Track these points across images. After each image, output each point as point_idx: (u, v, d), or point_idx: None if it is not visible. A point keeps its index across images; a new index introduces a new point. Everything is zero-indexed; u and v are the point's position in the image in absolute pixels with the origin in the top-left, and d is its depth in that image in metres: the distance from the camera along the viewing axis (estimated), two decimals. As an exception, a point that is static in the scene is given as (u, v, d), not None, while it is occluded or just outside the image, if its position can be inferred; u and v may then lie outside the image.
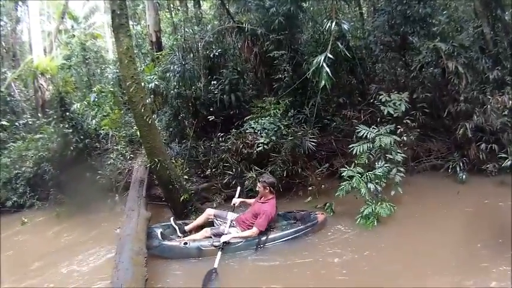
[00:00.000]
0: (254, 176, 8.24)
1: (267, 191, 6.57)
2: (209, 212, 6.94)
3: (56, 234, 8.66)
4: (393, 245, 6.04)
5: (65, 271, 6.52)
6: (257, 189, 6.82)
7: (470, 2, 9.74)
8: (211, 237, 6.40)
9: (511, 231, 5.62)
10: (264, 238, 6.24)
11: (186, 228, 6.87)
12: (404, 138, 7.91)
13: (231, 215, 6.74)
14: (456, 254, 5.47)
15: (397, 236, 6.32)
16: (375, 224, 6.56)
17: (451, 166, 8.38)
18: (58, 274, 6.42)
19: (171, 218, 7.11)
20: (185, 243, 6.26)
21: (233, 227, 6.56)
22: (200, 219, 6.91)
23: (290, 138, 8.30)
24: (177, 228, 6.87)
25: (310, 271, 5.55)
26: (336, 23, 7.68)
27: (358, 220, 6.70)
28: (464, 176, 8.04)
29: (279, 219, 6.99)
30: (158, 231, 6.62)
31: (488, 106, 8.11)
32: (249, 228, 6.38)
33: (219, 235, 6.32)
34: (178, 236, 6.70)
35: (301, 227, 6.52)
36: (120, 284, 4.71)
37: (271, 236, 6.32)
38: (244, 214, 6.70)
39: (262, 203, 6.56)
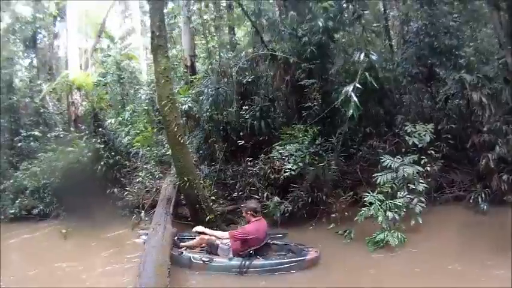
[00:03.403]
0: (277, 200, 8.46)
1: (248, 215, 6.77)
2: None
3: (79, 246, 8.92)
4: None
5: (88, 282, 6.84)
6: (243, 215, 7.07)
7: (495, 34, 9.79)
8: (205, 248, 6.90)
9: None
10: (247, 263, 6.31)
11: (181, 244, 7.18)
12: (428, 168, 7.99)
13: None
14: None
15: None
16: (377, 248, 6.77)
17: (473, 197, 8.25)
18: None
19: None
20: (181, 253, 6.70)
21: (227, 245, 6.74)
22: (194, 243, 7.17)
23: (312, 169, 8.42)
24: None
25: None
26: (365, 54, 7.87)
27: (368, 242, 6.89)
28: (485, 207, 7.90)
29: (277, 249, 7.02)
30: None
31: (511, 137, 8.07)
32: (240, 246, 6.55)
33: (213, 247, 6.75)
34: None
35: (286, 260, 6.43)
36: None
37: (255, 262, 6.37)
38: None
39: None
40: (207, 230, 6.94)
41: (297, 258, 6.42)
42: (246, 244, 6.50)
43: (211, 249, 6.79)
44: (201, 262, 6.47)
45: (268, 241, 7.03)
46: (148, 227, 8.05)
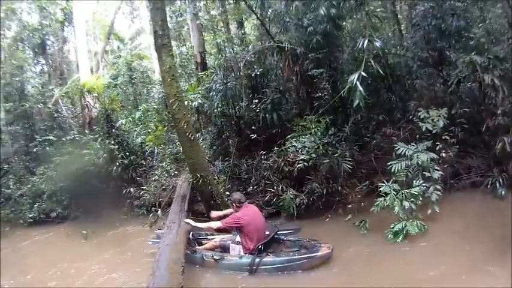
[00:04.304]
0: (292, 193, 8.46)
1: (235, 207, 6.88)
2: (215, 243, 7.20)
3: (97, 245, 9.19)
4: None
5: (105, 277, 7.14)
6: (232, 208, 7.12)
7: (504, 13, 9.59)
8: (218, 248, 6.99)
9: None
10: (257, 260, 6.34)
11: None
12: (443, 155, 7.86)
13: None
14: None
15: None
16: (400, 240, 6.62)
17: (490, 182, 8.03)
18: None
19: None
20: (194, 251, 6.86)
21: (238, 244, 6.80)
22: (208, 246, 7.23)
23: (326, 160, 8.37)
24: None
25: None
26: (369, 40, 7.76)
27: (387, 235, 6.78)
28: (503, 192, 7.67)
29: (291, 245, 6.97)
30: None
31: None
32: (246, 241, 6.61)
33: (225, 248, 6.87)
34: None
35: (296, 257, 6.34)
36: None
37: (265, 259, 6.38)
38: None
39: None
40: (199, 224, 7.01)
41: (308, 255, 6.33)
42: (248, 232, 6.57)
43: (224, 250, 6.91)
44: (212, 260, 6.59)
45: (281, 237, 7.09)
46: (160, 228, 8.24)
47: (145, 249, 8.08)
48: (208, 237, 7.57)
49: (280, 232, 7.22)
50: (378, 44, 7.83)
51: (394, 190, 7.12)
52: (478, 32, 8.98)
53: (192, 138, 8.16)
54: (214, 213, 7.67)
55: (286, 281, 6.12)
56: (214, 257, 6.61)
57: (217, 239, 7.11)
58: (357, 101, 6.94)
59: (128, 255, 8.22)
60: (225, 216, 7.17)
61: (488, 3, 10.49)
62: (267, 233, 6.89)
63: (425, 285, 5.34)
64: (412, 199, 6.95)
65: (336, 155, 8.43)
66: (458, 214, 7.37)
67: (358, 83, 6.92)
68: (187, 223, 7.06)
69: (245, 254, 6.57)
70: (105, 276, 7.22)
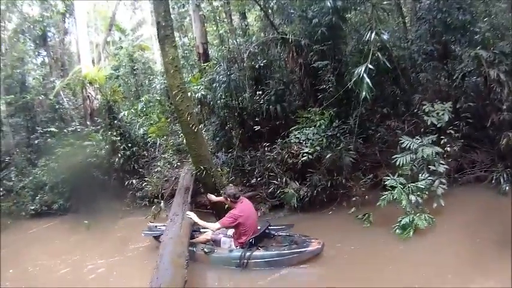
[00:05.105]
0: (296, 187, 8.44)
1: (229, 201, 6.88)
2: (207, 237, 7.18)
3: (101, 236, 9.26)
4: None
5: (107, 267, 7.29)
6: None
7: (510, 8, 9.51)
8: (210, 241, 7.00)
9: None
10: (248, 254, 6.37)
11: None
12: (448, 149, 7.84)
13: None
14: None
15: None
16: (411, 235, 6.55)
17: (494, 177, 8.04)
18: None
19: None
20: None
21: (230, 237, 6.84)
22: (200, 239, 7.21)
23: (329, 153, 8.33)
24: None
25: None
26: (376, 33, 7.71)
27: (395, 230, 6.73)
28: (507, 188, 7.68)
29: (281, 240, 6.97)
30: None
31: None
32: (239, 235, 6.65)
33: (217, 241, 6.88)
34: None
35: (286, 251, 6.40)
36: (159, 283, 4.98)
37: (255, 253, 6.41)
38: None
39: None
40: (200, 222, 6.93)
41: (298, 250, 6.37)
42: (244, 228, 6.59)
43: (215, 243, 6.92)
44: (203, 253, 6.63)
45: (272, 232, 7.10)
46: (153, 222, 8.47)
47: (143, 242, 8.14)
48: (201, 229, 7.54)
49: (271, 227, 7.23)
50: (385, 36, 7.84)
51: (400, 184, 7.07)
52: (483, 27, 8.88)
53: (195, 130, 8.11)
54: (212, 196, 7.83)
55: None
56: (205, 249, 6.65)
57: (210, 232, 7.08)
58: (364, 93, 6.96)
59: (130, 248, 8.25)
60: (220, 203, 7.47)
61: (493, -3, 10.43)
62: (259, 227, 6.93)
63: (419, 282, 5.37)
64: (418, 192, 6.92)
65: (340, 147, 8.39)
66: (461, 209, 7.34)
67: (365, 75, 6.94)
68: (190, 217, 7.02)
69: (236, 247, 6.62)
70: (103, 269, 7.31)
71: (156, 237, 7.56)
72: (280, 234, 7.10)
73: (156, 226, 8.09)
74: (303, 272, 6.23)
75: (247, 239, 6.55)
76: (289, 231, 7.24)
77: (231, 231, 6.88)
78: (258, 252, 6.43)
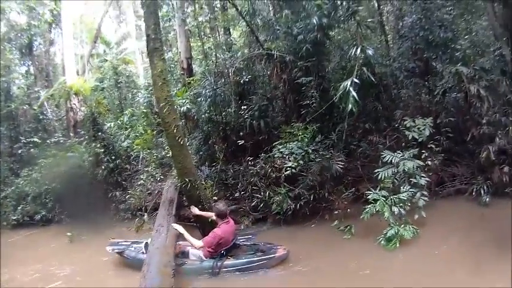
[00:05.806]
0: (280, 198, 8.50)
1: (216, 217, 7.00)
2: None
3: (82, 249, 9.14)
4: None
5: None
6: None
7: (490, 25, 9.81)
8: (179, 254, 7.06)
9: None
10: (219, 263, 6.56)
11: None
12: (429, 162, 8.03)
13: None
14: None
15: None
16: (397, 245, 6.69)
17: (474, 190, 8.21)
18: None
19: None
20: None
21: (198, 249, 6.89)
22: None
23: (318, 160, 8.48)
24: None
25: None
26: (361, 49, 7.91)
27: (380, 241, 6.86)
28: (487, 199, 7.87)
29: (247, 249, 7.20)
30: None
31: (511, 128, 8.06)
32: (212, 249, 6.72)
33: (185, 253, 7.02)
34: None
35: (256, 258, 6.71)
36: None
37: (226, 262, 6.61)
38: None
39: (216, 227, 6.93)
40: (186, 235, 6.82)
41: (266, 256, 6.72)
42: (219, 246, 6.71)
43: (183, 255, 7.02)
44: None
45: (238, 242, 7.23)
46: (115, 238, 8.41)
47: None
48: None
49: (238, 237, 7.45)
50: (370, 51, 8.03)
51: (382, 196, 7.24)
52: (464, 44, 9.19)
53: (181, 143, 8.15)
54: (195, 209, 7.83)
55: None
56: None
57: (177, 246, 7.11)
58: (350, 106, 7.14)
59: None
60: (203, 217, 7.64)
61: (474, 15, 10.75)
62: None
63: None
64: (401, 204, 7.10)
65: (328, 156, 8.56)
66: (442, 220, 7.53)
67: (351, 89, 7.13)
68: (175, 229, 7.00)
69: (206, 258, 6.73)
70: (81, 278, 7.32)
71: (120, 253, 7.59)
72: (245, 243, 7.35)
73: (118, 242, 8.05)
74: (273, 276, 6.48)
75: (219, 252, 6.70)
76: (254, 240, 7.58)
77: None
78: (229, 261, 6.65)
